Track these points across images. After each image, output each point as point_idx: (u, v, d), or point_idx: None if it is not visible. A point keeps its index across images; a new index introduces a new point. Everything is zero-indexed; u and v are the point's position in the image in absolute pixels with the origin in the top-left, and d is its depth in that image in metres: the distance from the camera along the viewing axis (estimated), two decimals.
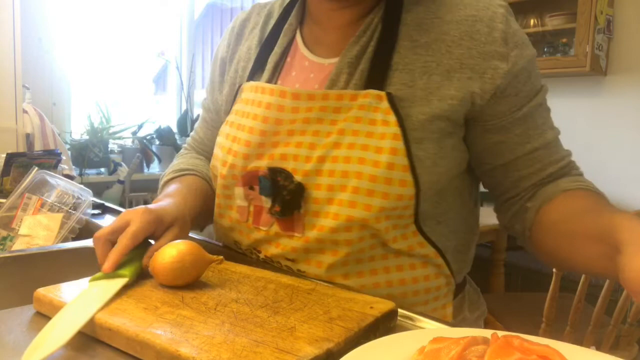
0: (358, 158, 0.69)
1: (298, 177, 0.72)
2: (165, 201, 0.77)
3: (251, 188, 0.77)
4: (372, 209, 0.68)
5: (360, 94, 0.71)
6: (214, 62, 0.96)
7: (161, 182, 0.94)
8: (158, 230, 0.70)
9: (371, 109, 0.70)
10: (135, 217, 0.68)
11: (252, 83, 0.82)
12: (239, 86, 0.84)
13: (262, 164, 0.75)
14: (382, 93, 0.70)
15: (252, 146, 0.76)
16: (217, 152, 0.83)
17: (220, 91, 0.93)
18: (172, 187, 0.85)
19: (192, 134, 1.04)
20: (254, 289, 0.63)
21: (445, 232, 0.77)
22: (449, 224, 0.77)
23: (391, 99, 0.70)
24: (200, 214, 0.85)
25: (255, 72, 0.84)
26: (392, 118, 0.69)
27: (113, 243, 0.66)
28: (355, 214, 0.68)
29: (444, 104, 0.70)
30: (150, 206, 0.72)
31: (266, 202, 0.75)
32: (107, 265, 0.63)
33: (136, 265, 0.65)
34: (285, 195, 0.72)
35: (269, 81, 0.81)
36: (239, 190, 0.78)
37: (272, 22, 0.87)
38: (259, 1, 0.96)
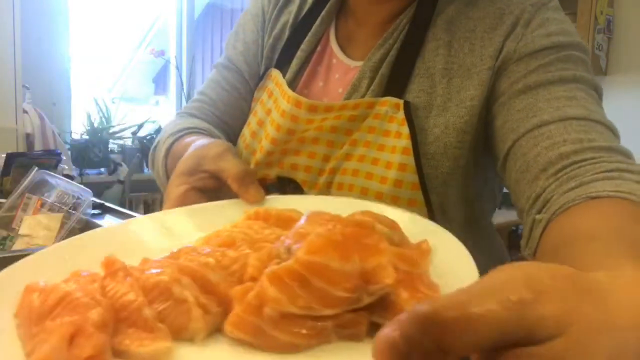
0: (366, 172, 0.65)
1: (307, 191, 0.68)
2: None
3: None
4: None
5: (379, 101, 0.66)
6: (245, 17, 0.84)
7: (162, 148, 0.75)
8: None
9: (387, 119, 0.65)
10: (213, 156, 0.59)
11: (277, 74, 0.75)
12: (267, 69, 0.78)
13: (271, 173, 0.71)
14: (400, 101, 0.64)
15: (264, 153, 0.72)
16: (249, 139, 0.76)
17: (251, 48, 0.81)
18: (193, 138, 0.71)
19: (193, 99, 0.88)
20: None
21: None
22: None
23: (407, 109, 0.64)
24: None
25: (283, 61, 0.76)
26: (405, 130, 0.63)
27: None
28: None
29: (461, 109, 0.64)
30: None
31: None
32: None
33: None
34: None
35: (292, 82, 0.74)
36: None
37: (309, 1, 0.77)
38: None
